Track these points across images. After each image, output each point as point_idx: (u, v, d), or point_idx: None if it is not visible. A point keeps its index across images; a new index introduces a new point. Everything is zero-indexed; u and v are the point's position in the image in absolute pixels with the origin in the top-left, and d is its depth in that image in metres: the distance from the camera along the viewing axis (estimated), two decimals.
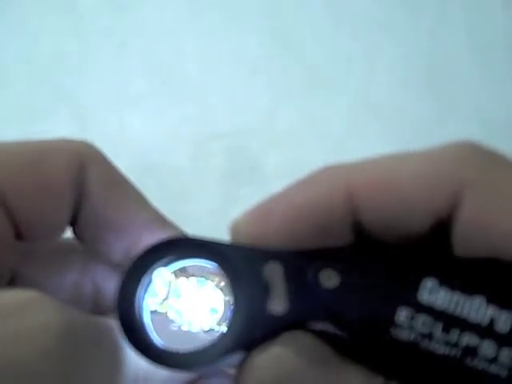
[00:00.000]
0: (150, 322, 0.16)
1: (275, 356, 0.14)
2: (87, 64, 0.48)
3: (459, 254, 0.15)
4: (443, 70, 0.47)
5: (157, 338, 0.16)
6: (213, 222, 0.41)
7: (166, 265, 0.16)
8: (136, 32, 0.49)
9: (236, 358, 0.15)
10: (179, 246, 0.16)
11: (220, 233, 0.45)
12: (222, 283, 0.16)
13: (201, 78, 0.47)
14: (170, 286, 0.16)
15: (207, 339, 0.15)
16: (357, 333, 0.14)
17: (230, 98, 0.46)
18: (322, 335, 0.14)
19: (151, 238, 0.17)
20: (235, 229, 0.17)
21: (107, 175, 0.19)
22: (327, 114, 0.45)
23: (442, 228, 0.15)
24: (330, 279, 0.14)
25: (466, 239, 0.15)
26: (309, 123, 0.45)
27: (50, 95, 0.47)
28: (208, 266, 0.16)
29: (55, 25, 0.50)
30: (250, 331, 0.15)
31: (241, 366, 0.15)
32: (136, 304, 0.16)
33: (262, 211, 0.17)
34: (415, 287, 0.14)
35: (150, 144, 0.44)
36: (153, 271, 0.16)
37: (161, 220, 0.19)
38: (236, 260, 0.16)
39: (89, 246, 0.19)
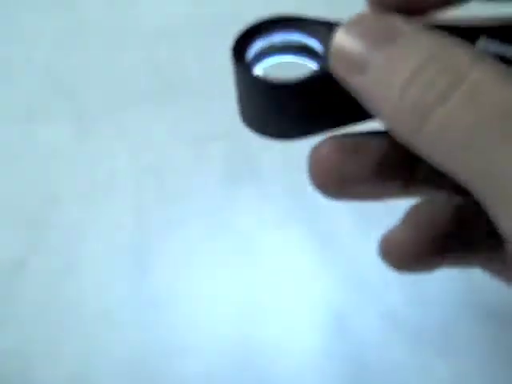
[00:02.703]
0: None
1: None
2: (87, 64, 0.48)
3: None
4: None
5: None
6: (213, 222, 0.41)
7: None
8: (136, 32, 0.49)
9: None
10: (289, 22, 0.20)
11: (220, 232, 0.45)
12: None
13: (201, 78, 0.47)
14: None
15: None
16: None
17: (230, 98, 0.45)
18: None
19: None
20: None
21: None
22: None
23: None
24: None
25: None
26: None
27: (50, 95, 0.47)
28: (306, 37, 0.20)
29: (55, 24, 0.50)
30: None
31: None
32: (248, 52, 0.20)
33: None
34: (473, 41, 0.17)
35: (150, 144, 0.44)
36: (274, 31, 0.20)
37: None
38: (333, 26, 0.19)
39: None
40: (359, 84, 0.16)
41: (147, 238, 0.40)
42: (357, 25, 0.17)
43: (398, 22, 0.16)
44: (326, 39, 0.19)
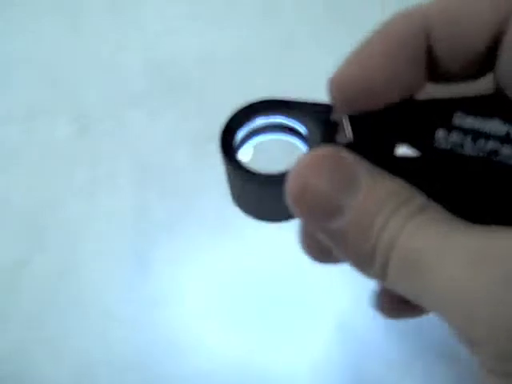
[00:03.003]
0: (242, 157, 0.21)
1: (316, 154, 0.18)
2: (87, 64, 0.48)
3: (502, 86, 0.17)
4: None
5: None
6: (213, 222, 0.41)
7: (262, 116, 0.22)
8: (136, 32, 0.49)
9: None
10: (270, 105, 0.21)
11: (220, 232, 0.45)
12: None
13: (201, 77, 0.47)
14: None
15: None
16: (408, 141, 0.19)
17: (230, 98, 0.45)
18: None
19: None
20: (339, 78, 0.19)
21: None
22: None
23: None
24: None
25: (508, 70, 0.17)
26: None
27: (50, 95, 0.47)
28: (289, 120, 0.21)
29: (55, 24, 0.50)
30: None
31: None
32: (234, 140, 0.21)
33: (358, 57, 0.19)
34: (449, 117, 0.19)
35: (150, 144, 0.44)
36: (253, 121, 0.22)
37: None
38: (312, 109, 0.21)
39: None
40: (338, 227, 0.17)
41: (147, 238, 0.40)
42: (319, 168, 0.18)
43: (355, 166, 0.18)
44: (308, 121, 0.21)
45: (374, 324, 0.37)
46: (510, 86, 0.17)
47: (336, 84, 0.19)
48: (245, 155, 0.22)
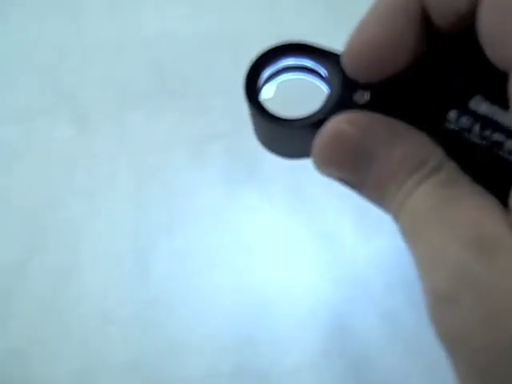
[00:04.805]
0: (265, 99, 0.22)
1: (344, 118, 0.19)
2: (87, 64, 0.48)
3: (490, 59, 0.17)
4: None
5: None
6: (213, 222, 0.41)
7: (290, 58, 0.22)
8: (136, 32, 0.49)
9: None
10: (298, 48, 0.22)
11: (220, 232, 0.45)
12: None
13: (201, 78, 0.47)
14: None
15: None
16: (420, 120, 0.19)
17: (230, 98, 0.46)
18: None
19: None
20: (348, 50, 0.20)
21: None
22: None
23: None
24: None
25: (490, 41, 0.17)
26: None
27: (50, 95, 0.47)
28: (314, 64, 0.22)
29: (55, 24, 0.50)
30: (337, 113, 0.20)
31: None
32: (259, 81, 0.22)
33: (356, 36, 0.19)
34: (467, 99, 0.19)
35: (150, 144, 0.44)
36: (280, 61, 0.22)
37: None
38: (335, 62, 0.21)
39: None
40: (361, 173, 0.18)
41: (147, 238, 0.40)
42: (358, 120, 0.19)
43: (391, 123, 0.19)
44: (332, 67, 0.21)
45: (375, 324, 0.37)
46: (488, 43, 0.17)
47: (346, 56, 0.19)
48: (268, 92, 0.22)
